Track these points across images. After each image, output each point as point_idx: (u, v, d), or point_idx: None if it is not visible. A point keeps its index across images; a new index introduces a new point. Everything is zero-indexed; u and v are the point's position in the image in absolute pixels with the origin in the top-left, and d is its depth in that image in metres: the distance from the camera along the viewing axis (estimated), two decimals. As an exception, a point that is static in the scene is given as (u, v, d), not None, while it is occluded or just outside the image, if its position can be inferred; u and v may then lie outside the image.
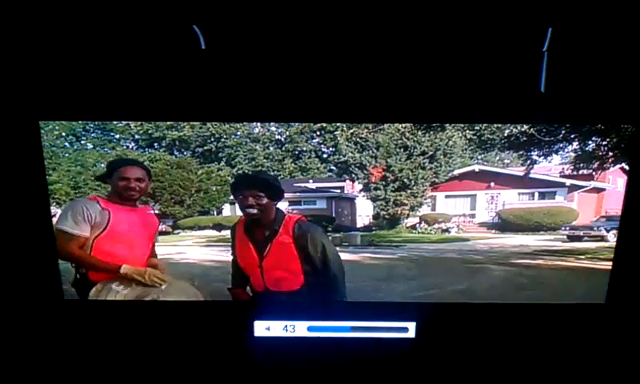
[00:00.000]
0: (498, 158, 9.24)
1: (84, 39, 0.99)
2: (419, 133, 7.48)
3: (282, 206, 8.28)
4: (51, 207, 8.88)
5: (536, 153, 6.38)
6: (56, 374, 1.19)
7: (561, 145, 6.07)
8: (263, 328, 1.60)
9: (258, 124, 8.95)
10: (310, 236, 1.57)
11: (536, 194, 7.83)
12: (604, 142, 5.45)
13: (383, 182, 8.03)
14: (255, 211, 1.46)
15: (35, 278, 1.17)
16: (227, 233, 7.64)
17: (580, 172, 6.89)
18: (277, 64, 1.07)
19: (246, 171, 8.73)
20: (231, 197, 7.48)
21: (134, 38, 0.99)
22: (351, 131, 7.45)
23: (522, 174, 7.07)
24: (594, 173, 6.80)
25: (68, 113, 1.41)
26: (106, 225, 1.57)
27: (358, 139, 7.67)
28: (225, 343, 1.23)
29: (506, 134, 6.84)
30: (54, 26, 0.95)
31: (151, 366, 1.22)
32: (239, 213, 8.49)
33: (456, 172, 8.05)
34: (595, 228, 6.84)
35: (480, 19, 0.91)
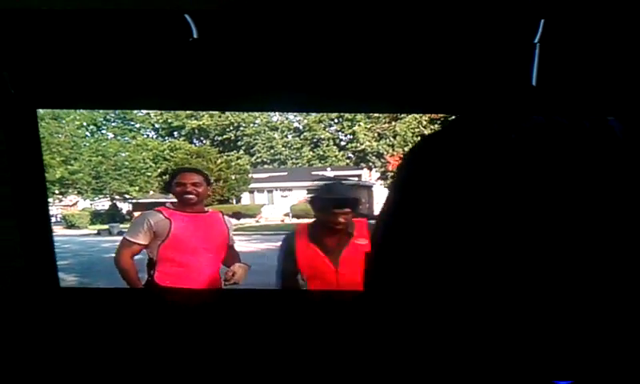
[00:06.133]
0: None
1: (82, 29, 1.03)
2: (436, 123, 7.38)
3: (300, 193, 8.37)
4: (73, 196, 8.91)
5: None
6: (51, 363, 1.29)
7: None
8: None
9: (277, 112, 8.91)
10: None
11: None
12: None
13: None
14: (343, 227, 1.54)
15: (32, 265, 1.26)
16: (246, 221, 7.75)
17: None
18: (281, 55, 1.12)
19: (264, 159, 8.75)
20: (250, 185, 7.59)
21: (130, 28, 1.03)
22: (368, 127, 7.39)
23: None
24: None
25: (65, 101, 1.48)
26: (167, 233, 1.72)
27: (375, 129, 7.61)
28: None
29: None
30: (53, 15, 1.00)
31: (163, 360, 1.30)
32: (258, 201, 8.44)
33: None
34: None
35: (471, 10, 0.92)
